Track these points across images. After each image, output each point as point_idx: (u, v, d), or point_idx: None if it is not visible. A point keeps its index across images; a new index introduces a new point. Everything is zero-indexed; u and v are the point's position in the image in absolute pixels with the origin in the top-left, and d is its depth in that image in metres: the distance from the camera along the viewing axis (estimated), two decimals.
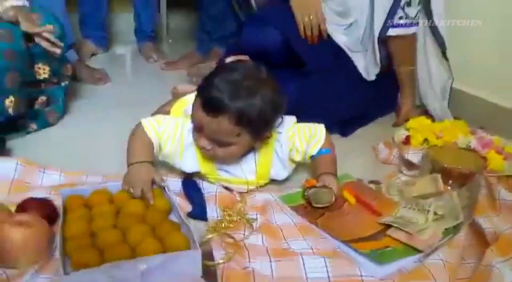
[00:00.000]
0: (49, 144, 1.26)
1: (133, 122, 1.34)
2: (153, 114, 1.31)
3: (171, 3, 2.47)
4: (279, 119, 0.98)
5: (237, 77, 0.89)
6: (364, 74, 1.41)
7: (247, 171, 1.01)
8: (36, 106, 1.30)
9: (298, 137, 1.03)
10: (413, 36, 1.40)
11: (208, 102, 0.88)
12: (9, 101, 1.17)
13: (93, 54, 2.05)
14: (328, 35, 1.35)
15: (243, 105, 0.88)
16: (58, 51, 1.23)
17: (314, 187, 0.97)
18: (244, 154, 1.00)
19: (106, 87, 1.74)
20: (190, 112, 1.01)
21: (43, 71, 1.28)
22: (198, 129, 0.93)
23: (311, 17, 1.30)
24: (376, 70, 1.39)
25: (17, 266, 0.72)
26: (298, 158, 1.04)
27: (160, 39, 2.41)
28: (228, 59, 1.44)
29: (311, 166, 1.08)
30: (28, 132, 1.28)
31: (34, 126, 1.29)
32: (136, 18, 2.11)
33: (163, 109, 1.30)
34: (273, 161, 1.02)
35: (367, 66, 1.41)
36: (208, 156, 0.98)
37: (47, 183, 1.00)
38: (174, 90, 1.51)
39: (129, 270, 0.67)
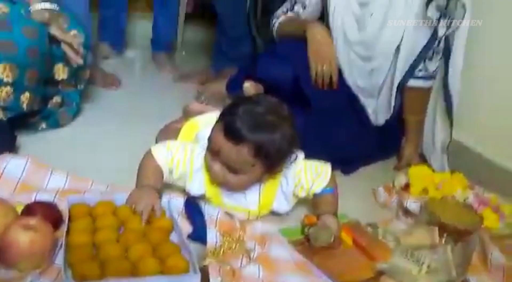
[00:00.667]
0: (57, 144, 1.28)
1: (140, 133, 1.38)
2: (162, 130, 1.34)
3: (189, 17, 2.52)
4: (293, 156, 1.00)
5: (261, 110, 0.93)
6: (372, 119, 1.44)
7: (250, 201, 1.03)
8: (50, 106, 1.32)
9: (304, 174, 1.05)
10: (429, 90, 1.43)
11: (231, 130, 0.91)
12: (24, 97, 1.18)
13: (105, 57, 2.06)
14: (340, 80, 1.38)
15: (264, 139, 0.91)
16: (80, 61, 1.26)
17: (312, 225, 0.99)
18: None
19: (117, 93, 1.76)
20: (201, 137, 1.04)
21: (62, 71, 1.30)
22: (214, 153, 0.95)
23: (325, 67, 1.34)
24: (387, 116, 1.43)
25: (20, 269, 0.73)
26: (302, 194, 1.07)
27: (174, 50, 2.45)
28: (245, 85, 1.48)
29: (312, 202, 1.10)
30: (37, 131, 1.29)
31: (44, 125, 1.30)
32: (154, 26, 2.12)
33: (173, 127, 1.32)
34: (277, 194, 1.05)
35: (378, 111, 1.44)
36: (217, 181, 1.00)
37: (52, 185, 1.02)
38: (187, 108, 1.53)
39: None
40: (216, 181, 1.00)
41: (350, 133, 1.41)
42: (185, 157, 1.01)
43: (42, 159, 1.05)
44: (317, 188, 1.06)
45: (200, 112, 1.47)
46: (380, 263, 0.95)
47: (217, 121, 0.95)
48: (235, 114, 0.92)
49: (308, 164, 1.07)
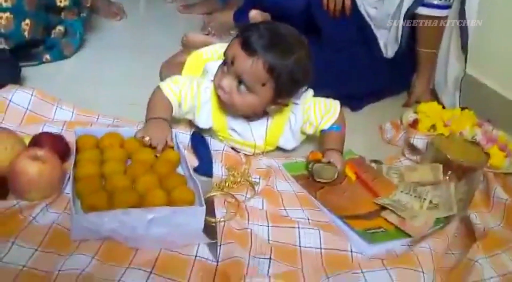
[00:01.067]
0: (62, 76, 1.27)
1: (145, 65, 1.36)
2: (164, 65, 1.32)
3: None
4: (303, 89, 0.99)
5: (283, 31, 0.93)
6: (383, 51, 1.40)
7: (257, 136, 1.03)
8: (53, 35, 1.29)
9: (313, 111, 1.04)
10: (444, 20, 1.37)
11: (250, 41, 0.90)
12: (25, 24, 1.16)
13: None
14: (353, 8, 1.32)
15: (280, 56, 0.90)
16: None
17: (319, 161, 1.00)
18: (257, 118, 1.01)
19: (121, 23, 1.72)
20: (209, 68, 1.02)
21: None
22: (227, 64, 0.94)
23: None
24: (395, 47, 1.38)
25: (29, 199, 0.75)
26: (310, 131, 1.07)
27: None
28: (252, 13, 1.43)
29: (319, 139, 1.10)
30: (42, 63, 1.28)
31: (48, 57, 1.29)
32: None
33: (176, 60, 1.30)
34: (284, 130, 1.04)
35: (388, 43, 1.39)
36: (224, 101, 0.98)
37: (59, 118, 1.02)
38: (185, 38, 1.50)
39: (138, 218, 0.71)
40: (223, 100, 0.98)
41: (360, 67, 1.37)
42: (192, 90, 1.01)
43: (47, 92, 1.05)
44: (325, 124, 1.05)
45: (200, 42, 1.44)
46: (382, 198, 0.96)
47: (236, 36, 0.94)
48: (257, 29, 0.91)
49: (317, 101, 1.05)
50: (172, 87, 1.01)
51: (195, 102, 1.01)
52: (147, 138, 0.92)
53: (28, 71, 1.21)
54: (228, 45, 0.95)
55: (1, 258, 0.66)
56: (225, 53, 0.95)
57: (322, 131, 1.07)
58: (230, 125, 1.03)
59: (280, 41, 0.91)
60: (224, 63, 0.95)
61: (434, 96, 1.50)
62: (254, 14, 1.45)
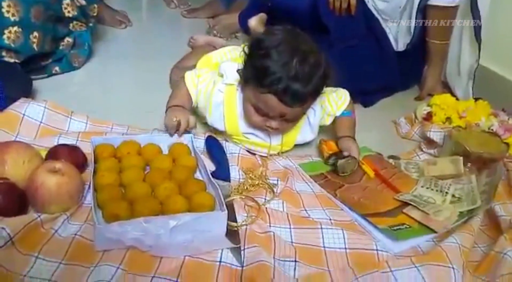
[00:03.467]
0: (72, 87, 1.27)
1: (154, 71, 1.36)
2: (174, 69, 1.32)
3: None
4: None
5: (300, 57, 0.88)
6: (394, 44, 1.38)
7: (273, 137, 1.02)
8: (62, 47, 1.29)
9: (328, 102, 1.06)
10: (455, 9, 1.35)
11: (292, 98, 0.89)
12: (33, 37, 1.15)
13: None
14: (360, 4, 1.31)
15: (318, 84, 0.90)
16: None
17: (338, 154, 1.00)
18: None
19: (126, 31, 1.72)
20: (225, 71, 1.01)
21: (70, 7, 1.25)
22: (270, 116, 0.94)
23: None
24: (407, 39, 1.37)
25: (50, 212, 0.75)
26: (329, 121, 1.08)
27: None
28: (251, 23, 1.43)
29: (331, 126, 1.10)
30: (51, 75, 1.28)
31: (57, 69, 1.29)
32: None
33: (185, 64, 1.30)
34: (302, 127, 1.04)
35: (398, 35, 1.38)
36: (267, 132, 1.00)
37: (73, 129, 1.02)
38: (192, 41, 1.49)
39: (161, 225, 0.70)
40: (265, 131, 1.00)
41: (371, 62, 1.36)
42: (206, 88, 1.02)
43: (59, 103, 1.05)
44: (339, 110, 1.07)
45: (206, 42, 1.43)
46: (403, 194, 0.95)
47: (262, 87, 0.89)
48: (283, 79, 0.87)
49: (328, 91, 1.06)
50: (194, 80, 1.03)
51: (207, 102, 1.01)
52: (174, 118, 0.94)
53: (38, 84, 1.20)
54: (262, 99, 0.91)
55: (26, 273, 0.65)
56: (260, 104, 0.92)
57: (335, 117, 1.08)
58: (244, 129, 1.02)
59: (311, 72, 0.88)
60: (264, 114, 0.94)
61: (446, 88, 1.49)
62: (254, 25, 1.46)
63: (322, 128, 1.10)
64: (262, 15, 1.52)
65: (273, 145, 1.03)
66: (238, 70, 0.97)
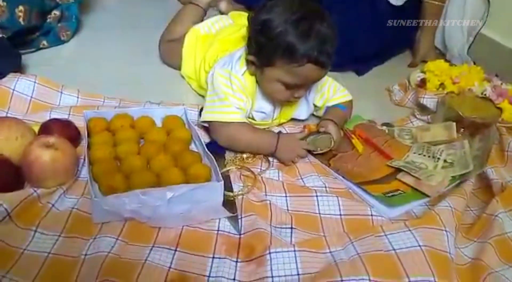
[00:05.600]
0: (61, 61, 1.25)
1: (142, 42, 1.34)
2: (162, 40, 1.29)
3: None
4: None
5: (319, 22, 0.87)
6: (393, 1, 1.36)
7: (277, 110, 1.02)
8: (49, 20, 1.26)
9: (328, 86, 1.05)
10: None
11: (327, 58, 0.87)
12: (19, 11, 1.12)
13: None
14: None
15: (332, 45, 0.88)
16: None
17: (311, 133, 0.96)
18: None
19: (112, 2, 1.68)
20: (227, 62, 0.98)
21: None
22: (302, 86, 0.92)
23: None
24: None
25: (46, 186, 0.75)
26: (319, 102, 1.06)
27: None
28: (221, 4, 1.42)
29: (322, 117, 1.07)
30: (39, 49, 1.25)
31: (45, 43, 1.26)
32: None
33: (172, 35, 1.27)
34: (301, 101, 1.03)
35: None
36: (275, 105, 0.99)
37: (64, 103, 1.01)
38: None
39: (158, 197, 0.71)
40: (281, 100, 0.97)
41: (364, 28, 1.33)
42: (243, 94, 0.95)
43: (49, 78, 1.03)
44: (334, 100, 1.05)
45: None
46: (396, 161, 0.96)
47: (296, 61, 0.86)
48: (315, 46, 0.85)
49: (331, 79, 1.06)
50: (237, 111, 0.94)
51: (248, 97, 0.96)
52: None
53: (26, 58, 1.18)
54: (295, 71, 0.88)
55: (25, 247, 0.66)
56: (297, 79, 0.89)
57: (327, 107, 1.06)
58: (257, 107, 1.00)
59: (331, 33, 0.87)
60: (300, 85, 0.92)
61: (440, 53, 1.48)
62: (225, 8, 1.46)
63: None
64: None
65: (274, 117, 1.03)
66: (248, 59, 0.93)
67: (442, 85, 1.24)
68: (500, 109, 1.10)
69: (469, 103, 1.08)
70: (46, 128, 0.84)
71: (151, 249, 0.68)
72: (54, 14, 1.27)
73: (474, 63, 1.30)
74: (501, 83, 1.24)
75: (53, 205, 0.73)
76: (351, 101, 1.08)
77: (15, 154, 0.77)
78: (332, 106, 1.05)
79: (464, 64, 1.32)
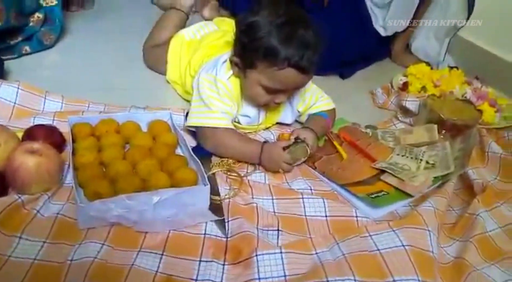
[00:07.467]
0: (45, 67, 1.24)
1: (126, 48, 1.34)
2: (146, 47, 1.29)
3: None
4: None
5: (301, 28, 0.87)
6: (381, 31, 1.40)
7: (261, 115, 1.02)
8: (31, 23, 1.24)
9: (311, 92, 1.05)
10: None
11: (308, 63, 0.86)
12: None
13: None
14: None
15: (314, 52, 0.87)
16: None
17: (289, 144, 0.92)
18: None
19: (95, 9, 1.67)
20: (219, 68, 0.98)
21: None
22: (283, 91, 0.92)
23: None
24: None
25: (30, 192, 0.74)
26: (300, 108, 1.06)
27: None
28: (204, 12, 1.44)
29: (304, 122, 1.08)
30: (21, 55, 1.23)
31: (27, 48, 1.24)
32: None
33: (155, 42, 1.27)
34: (285, 106, 1.04)
35: (388, 21, 1.38)
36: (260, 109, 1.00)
37: (48, 109, 1.00)
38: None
39: (144, 201, 0.71)
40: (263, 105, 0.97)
41: (348, 31, 1.36)
42: (229, 98, 0.96)
43: (32, 84, 1.02)
44: (316, 108, 1.05)
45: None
46: (380, 162, 0.97)
47: (277, 64, 0.86)
48: (297, 50, 0.85)
49: (315, 87, 1.06)
50: (222, 117, 0.94)
51: (234, 101, 0.97)
52: None
53: (8, 65, 1.17)
54: (276, 76, 0.88)
55: (10, 254, 0.65)
56: (275, 83, 0.90)
57: (309, 115, 1.06)
58: (242, 111, 1.00)
59: (314, 35, 0.87)
60: (276, 90, 0.92)
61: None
62: (209, 14, 1.49)
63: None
64: (213, 3, 1.50)
65: (260, 122, 1.03)
66: (233, 60, 0.94)
67: (423, 88, 1.26)
68: (481, 111, 1.13)
69: (450, 106, 1.10)
70: (30, 134, 0.84)
71: (137, 254, 0.68)
72: (37, 17, 1.26)
73: (455, 68, 1.33)
74: (481, 86, 1.27)
75: (38, 211, 0.72)
76: (333, 109, 1.08)
77: None
78: (314, 114, 1.06)
79: (445, 68, 1.35)
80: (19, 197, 0.72)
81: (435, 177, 0.93)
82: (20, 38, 1.23)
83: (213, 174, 0.88)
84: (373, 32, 1.43)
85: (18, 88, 0.98)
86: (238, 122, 1.01)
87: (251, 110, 1.00)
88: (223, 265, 0.70)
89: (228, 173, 0.89)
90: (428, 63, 1.41)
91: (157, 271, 0.66)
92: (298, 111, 1.07)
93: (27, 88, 0.99)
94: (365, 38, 1.42)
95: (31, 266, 0.64)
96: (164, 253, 0.69)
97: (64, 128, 0.89)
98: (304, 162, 0.95)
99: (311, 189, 0.88)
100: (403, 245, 0.69)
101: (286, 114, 1.06)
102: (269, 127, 1.07)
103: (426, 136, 1.02)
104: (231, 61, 0.95)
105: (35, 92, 1.00)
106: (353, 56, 1.41)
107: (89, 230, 0.71)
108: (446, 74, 1.29)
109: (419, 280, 0.64)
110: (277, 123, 1.08)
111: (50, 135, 0.85)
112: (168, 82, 1.21)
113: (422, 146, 1.01)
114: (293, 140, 0.93)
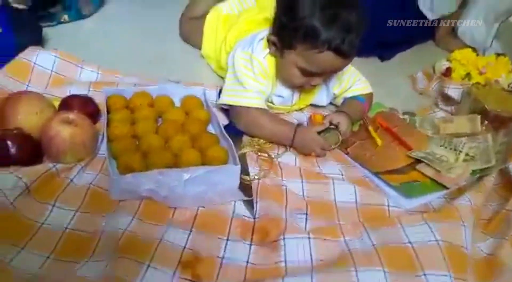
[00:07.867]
0: (82, 36, 1.24)
1: (163, 19, 1.31)
2: (182, 19, 1.28)
3: None
4: None
5: (344, 5, 0.83)
6: (428, 15, 1.33)
7: (296, 95, 1.00)
8: None
9: (349, 74, 1.01)
10: None
11: (349, 47, 0.83)
12: None
13: None
14: None
15: (357, 35, 0.84)
16: None
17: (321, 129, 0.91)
18: None
19: None
20: (248, 44, 0.96)
21: None
22: (319, 74, 0.89)
23: None
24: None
25: (64, 162, 0.75)
26: (337, 90, 1.03)
27: None
28: None
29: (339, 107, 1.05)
30: (60, 23, 1.24)
31: (66, 17, 1.25)
32: None
33: (193, 14, 1.25)
34: (321, 88, 1.01)
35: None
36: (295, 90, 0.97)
37: (84, 79, 1.01)
38: None
39: (175, 178, 0.71)
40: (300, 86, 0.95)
41: (390, 11, 1.30)
42: (263, 76, 0.94)
43: (69, 52, 1.03)
44: (352, 92, 1.02)
45: None
46: (416, 152, 0.94)
47: (316, 47, 0.83)
48: (338, 33, 0.81)
49: (353, 69, 1.02)
50: (257, 97, 0.92)
51: (269, 80, 0.95)
52: None
53: (46, 32, 1.18)
54: (311, 59, 0.85)
55: (43, 221, 0.67)
56: (314, 67, 0.87)
57: (345, 98, 1.03)
58: (276, 91, 0.98)
59: (358, 19, 0.82)
60: (315, 73, 0.89)
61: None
62: None
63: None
64: None
65: (293, 103, 1.01)
66: (270, 39, 0.91)
67: (468, 75, 1.20)
68: None
69: (494, 96, 1.04)
70: (66, 104, 0.85)
71: (166, 228, 0.68)
72: None
73: (502, 55, 1.26)
74: None
75: (71, 180, 0.74)
76: (371, 94, 1.04)
77: (34, 129, 0.77)
78: (350, 97, 1.02)
79: (492, 55, 1.28)
80: (54, 166, 0.73)
81: (473, 170, 0.89)
82: (59, 7, 1.23)
83: (244, 153, 0.87)
84: (416, 12, 1.36)
85: (56, 56, 0.99)
86: (271, 102, 0.99)
87: (285, 91, 0.98)
88: (250, 245, 0.69)
89: (259, 153, 0.88)
90: (474, 49, 1.34)
91: (185, 247, 0.66)
92: (334, 94, 1.04)
93: (65, 57, 1.00)
94: (408, 19, 1.36)
95: (63, 234, 0.66)
96: (193, 229, 0.69)
97: (99, 99, 0.90)
98: (336, 147, 0.93)
99: (342, 174, 0.86)
100: (436, 240, 0.66)
101: (321, 96, 1.03)
102: (303, 108, 1.05)
103: (468, 127, 0.98)
104: (268, 40, 0.92)
105: (72, 61, 1.01)
106: (393, 38, 1.35)
107: (120, 201, 0.72)
108: (493, 62, 1.22)
109: (451, 276, 0.62)
110: (311, 105, 1.06)
111: (86, 106, 0.86)
112: (202, 56, 1.20)
113: (462, 137, 0.97)
114: (326, 125, 0.91)
